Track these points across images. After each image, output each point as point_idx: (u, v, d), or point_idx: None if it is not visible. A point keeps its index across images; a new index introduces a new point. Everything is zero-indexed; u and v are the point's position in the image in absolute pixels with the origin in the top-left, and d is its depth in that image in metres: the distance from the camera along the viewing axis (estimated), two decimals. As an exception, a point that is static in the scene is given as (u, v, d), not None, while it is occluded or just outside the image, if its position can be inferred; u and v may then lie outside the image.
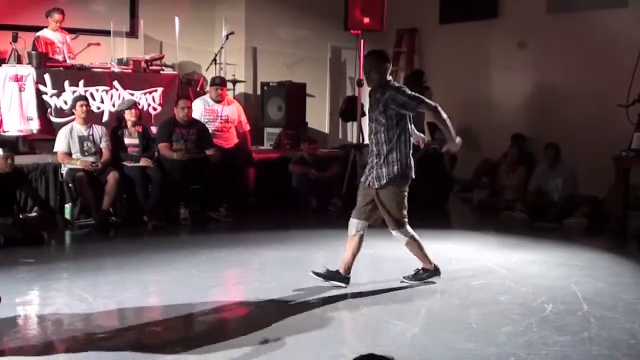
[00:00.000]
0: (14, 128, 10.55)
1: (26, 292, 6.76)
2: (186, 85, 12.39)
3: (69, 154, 9.90)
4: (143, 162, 10.12)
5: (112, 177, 9.72)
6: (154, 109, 11.60)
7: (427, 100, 6.87)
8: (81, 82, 11.05)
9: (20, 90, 10.57)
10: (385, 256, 8.21)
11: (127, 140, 10.30)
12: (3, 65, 10.68)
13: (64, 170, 9.91)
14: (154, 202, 10.01)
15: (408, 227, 6.99)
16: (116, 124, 10.54)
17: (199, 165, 10.40)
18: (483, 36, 14.08)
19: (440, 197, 11.87)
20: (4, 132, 10.46)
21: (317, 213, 11.12)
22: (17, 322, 5.88)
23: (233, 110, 11.39)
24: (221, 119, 11.19)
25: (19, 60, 10.86)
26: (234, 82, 13.10)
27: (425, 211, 11.12)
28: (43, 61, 10.86)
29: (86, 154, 9.93)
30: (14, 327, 5.74)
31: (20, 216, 9.22)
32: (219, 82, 11.41)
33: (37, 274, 7.37)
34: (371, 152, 6.92)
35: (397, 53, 15.74)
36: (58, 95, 10.87)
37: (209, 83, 11.94)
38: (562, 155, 11.09)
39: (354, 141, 13.32)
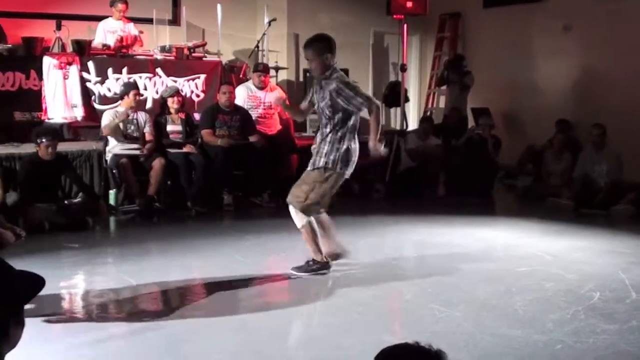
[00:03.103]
0: (58, 116, 10.61)
1: (71, 276, 6.84)
2: (229, 72, 12.39)
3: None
4: (186, 148, 10.15)
5: (158, 163, 9.75)
6: (197, 95, 11.62)
7: (373, 99, 6.68)
8: (124, 70, 11.09)
9: (65, 78, 10.61)
10: (430, 243, 8.17)
11: (170, 127, 10.32)
12: (47, 53, 10.74)
13: (108, 156, 9.95)
14: (197, 188, 10.04)
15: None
16: (159, 111, 10.58)
17: (242, 151, 10.41)
18: (527, 20, 13.93)
19: (485, 183, 11.76)
20: (48, 119, 10.53)
21: (359, 198, 11.07)
22: (61, 305, 5.97)
23: (276, 97, 11.37)
24: (264, 106, 11.18)
25: (63, 48, 10.92)
26: (277, 69, 13.08)
27: (470, 198, 11.12)
28: (87, 49, 10.92)
29: (128, 137, 9.98)
30: (59, 310, 5.82)
31: (65, 202, 9.30)
32: (262, 69, 11.40)
33: (82, 258, 7.44)
34: (317, 134, 6.78)
35: (440, 38, 15.65)
36: (102, 82, 10.92)
37: (251, 70, 11.93)
38: (608, 140, 10.93)
39: (398, 127, 13.26)
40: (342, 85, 6.49)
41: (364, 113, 6.72)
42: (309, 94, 7.00)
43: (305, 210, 6.64)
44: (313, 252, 6.78)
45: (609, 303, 6.04)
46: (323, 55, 6.52)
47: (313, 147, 6.81)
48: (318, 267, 6.79)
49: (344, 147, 6.56)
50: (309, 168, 6.73)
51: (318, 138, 6.72)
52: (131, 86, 10.35)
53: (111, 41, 11.43)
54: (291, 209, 6.73)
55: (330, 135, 6.56)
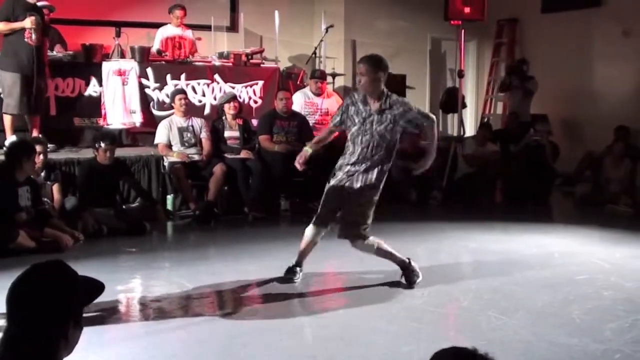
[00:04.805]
0: (117, 121, 10.76)
1: (128, 280, 6.89)
2: (286, 79, 12.45)
3: (169, 146, 10.05)
4: (244, 154, 10.20)
5: (219, 169, 9.82)
6: (255, 102, 11.69)
7: (430, 114, 6.57)
8: (183, 76, 11.21)
9: (124, 84, 10.76)
10: (487, 250, 8.12)
11: (227, 133, 10.38)
12: (107, 60, 10.89)
13: (166, 162, 10.05)
14: (254, 193, 10.08)
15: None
16: (216, 117, 10.65)
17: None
18: (586, 25, 13.78)
19: (542, 190, 11.67)
20: (107, 125, 10.67)
21: (417, 206, 11.04)
22: (118, 309, 6.03)
23: (333, 103, 11.40)
24: (321, 112, 11.23)
25: (122, 55, 11.06)
26: (334, 75, 13.09)
27: (528, 204, 11.03)
28: (145, 55, 11.06)
29: (186, 144, 10.07)
30: (116, 314, 5.88)
31: (123, 207, 9.42)
32: (319, 75, 11.44)
33: (139, 262, 7.52)
34: (358, 157, 6.54)
35: (498, 44, 15.57)
36: (160, 88, 11.05)
37: (309, 76, 11.98)
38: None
39: (455, 133, 13.19)
40: (408, 107, 6.38)
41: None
42: (338, 116, 6.75)
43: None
44: (395, 263, 6.73)
45: (669, 312, 5.95)
46: (377, 73, 6.31)
47: (351, 169, 6.62)
48: (413, 270, 6.73)
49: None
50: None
51: (363, 164, 6.51)
52: (176, 92, 10.50)
53: (171, 48, 11.55)
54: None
55: (378, 157, 6.43)
